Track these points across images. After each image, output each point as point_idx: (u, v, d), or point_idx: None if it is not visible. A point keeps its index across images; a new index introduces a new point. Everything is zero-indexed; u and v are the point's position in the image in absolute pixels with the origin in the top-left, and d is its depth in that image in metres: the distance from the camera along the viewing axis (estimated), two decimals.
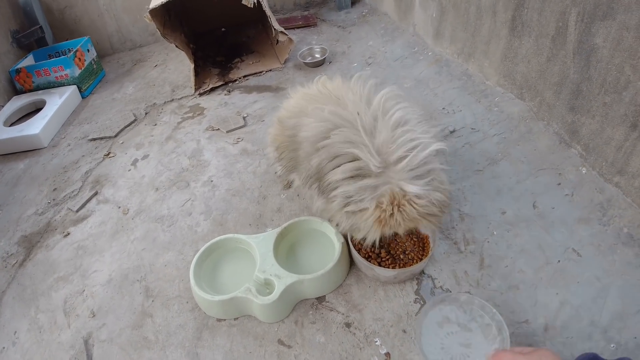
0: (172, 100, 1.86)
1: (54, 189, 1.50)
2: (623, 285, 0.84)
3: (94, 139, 1.70)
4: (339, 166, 0.76)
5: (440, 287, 0.91)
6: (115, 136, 1.70)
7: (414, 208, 0.71)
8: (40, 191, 1.51)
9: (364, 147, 0.73)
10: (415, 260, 0.91)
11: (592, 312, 0.82)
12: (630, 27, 0.85)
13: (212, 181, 1.33)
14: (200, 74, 1.96)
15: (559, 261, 0.91)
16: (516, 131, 1.24)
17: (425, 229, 0.93)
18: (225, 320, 0.92)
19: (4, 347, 1.02)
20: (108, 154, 1.59)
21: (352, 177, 0.74)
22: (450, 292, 0.90)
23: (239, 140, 1.51)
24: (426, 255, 0.90)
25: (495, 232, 1.00)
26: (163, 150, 1.54)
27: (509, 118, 1.28)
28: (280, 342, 0.86)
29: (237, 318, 0.92)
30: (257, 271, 0.91)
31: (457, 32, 1.50)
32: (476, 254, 0.96)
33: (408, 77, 1.62)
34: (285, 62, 1.94)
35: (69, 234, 1.28)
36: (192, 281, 0.92)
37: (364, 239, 0.80)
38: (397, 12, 2.04)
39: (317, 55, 1.94)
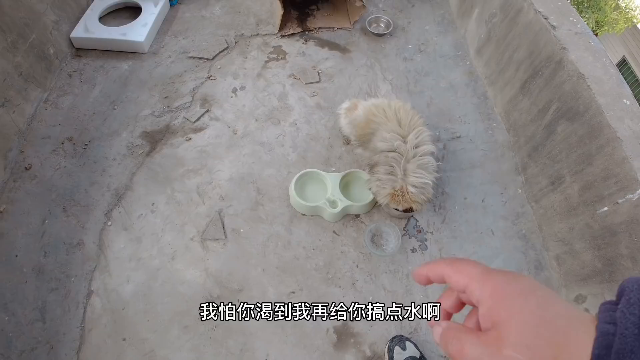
0: (257, 34, 2.24)
1: (165, 97, 1.93)
2: (506, 259, 1.70)
3: (193, 57, 2.10)
4: (384, 167, 1.47)
5: (419, 225, 1.73)
6: (212, 59, 2.12)
7: (410, 196, 1.45)
8: (152, 95, 1.92)
9: (400, 169, 1.44)
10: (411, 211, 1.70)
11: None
12: (576, 134, 1.48)
13: (296, 124, 1.93)
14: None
15: (481, 233, 1.73)
16: (495, 152, 1.85)
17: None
18: (305, 215, 1.70)
19: (141, 214, 1.47)
20: (209, 76, 2.06)
21: (387, 173, 1.47)
22: (423, 229, 1.72)
23: (315, 94, 2.04)
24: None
25: (456, 207, 1.78)
26: (256, 86, 2.04)
27: (495, 142, 1.92)
28: (334, 232, 1.67)
29: (312, 216, 1.70)
30: (328, 194, 1.65)
31: (491, 60, 2.00)
32: (442, 215, 1.76)
33: (445, 78, 2.14)
34: (354, 23, 2.31)
35: (190, 138, 1.82)
36: (292, 192, 1.65)
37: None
38: (458, 9, 2.36)
39: (382, 26, 2.33)
